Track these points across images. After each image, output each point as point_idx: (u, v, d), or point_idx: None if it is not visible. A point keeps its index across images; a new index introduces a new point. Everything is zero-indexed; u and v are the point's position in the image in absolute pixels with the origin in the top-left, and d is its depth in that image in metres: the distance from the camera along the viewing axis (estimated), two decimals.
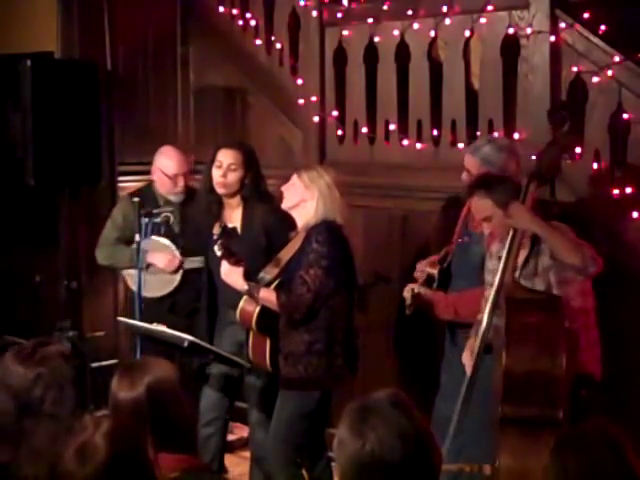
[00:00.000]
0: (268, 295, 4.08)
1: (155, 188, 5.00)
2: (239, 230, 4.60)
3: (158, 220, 4.92)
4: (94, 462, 2.00)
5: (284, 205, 4.18)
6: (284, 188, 4.19)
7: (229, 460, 5.04)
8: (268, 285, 4.14)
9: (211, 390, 4.68)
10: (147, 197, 4.96)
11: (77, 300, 5.63)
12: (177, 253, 4.92)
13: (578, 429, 2.29)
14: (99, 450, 2.01)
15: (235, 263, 4.14)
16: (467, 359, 3.95)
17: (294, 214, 4.16)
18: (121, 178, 5.94)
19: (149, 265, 4.86)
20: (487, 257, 4.08)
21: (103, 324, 5.39)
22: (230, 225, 4.58)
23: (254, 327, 4.16)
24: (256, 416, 4.63)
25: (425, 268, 4.36)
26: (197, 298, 5.03)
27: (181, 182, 4.94)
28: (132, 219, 4.95)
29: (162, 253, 4.88)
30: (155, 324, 4.40)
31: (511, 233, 3.78)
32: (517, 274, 3.85)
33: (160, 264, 4.86)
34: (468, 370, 3.92)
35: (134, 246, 4.92)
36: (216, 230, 4.48)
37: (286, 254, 4.23)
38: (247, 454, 4.95)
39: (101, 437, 2.03)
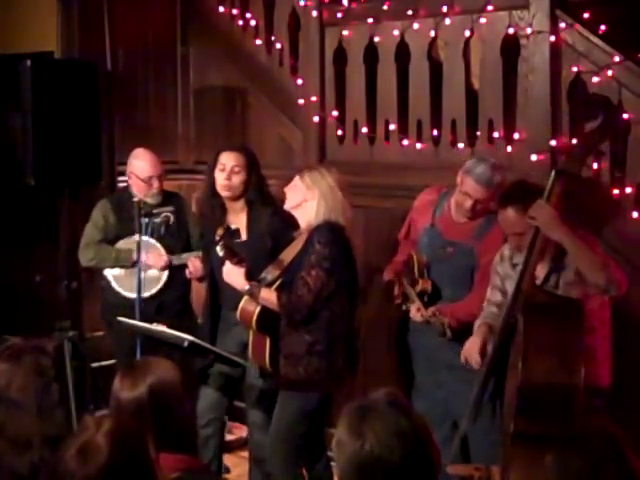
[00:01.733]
0: (269, 295, 4.08)
1: (130, 192, 4.99)
2: (244, 233, 4.60)
3: (158, 220, 4.93)
4: (95, 462, 2.00)
5: (286, 205, 4.18)
6: (287, 189, 4.18)
7: (228, 460, 5.05)
8: (269, 285, 4.14)
9: (210, 390, 4.68)
10: (124, 202, 4.98)
11: (77, 300, 5.62)
12: (163, 251, 4.94)
13: (579, 429, 2.29)
14: (100, 450, 2.01)
15: (237, 263, 4.14)
16: (474, 349, 3.91)
17: (296, 214, 4.15)
18: (121, 178, 5.93)
19: (135, 263, 4.87)
20: (497, 260, 4.04)
21: (103, 324, 5.38)
22: (233, 227, 4.57)
23: (254, 327, 4.16)
24: (256, 416, 4.62)
25: (419, 281, 4.35)
26: (184, 297, 5.04)
27: (156, 184, 4.94)
28: (113, 222, 5.00)
29: (150, 251, 4.88)
30: (155, 324, 4.40)
31: (532, 233, 3.69)
32: (537, 283, 3.80)
33: (149, 261, 4.87)
34: (474, 362, 3.89)
35: (118, 245, 4.95)
36: (219, 233, 4.48)
37: (288, 255, 4.23)
38: (246, 454, 4.95)
39: (102, 437, 2.03)
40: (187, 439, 2.58)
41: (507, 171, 4.35)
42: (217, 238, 4.16)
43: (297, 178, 4.14)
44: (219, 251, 4.12)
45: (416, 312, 4.30)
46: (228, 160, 4.55)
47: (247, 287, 4.12)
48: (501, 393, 3.91)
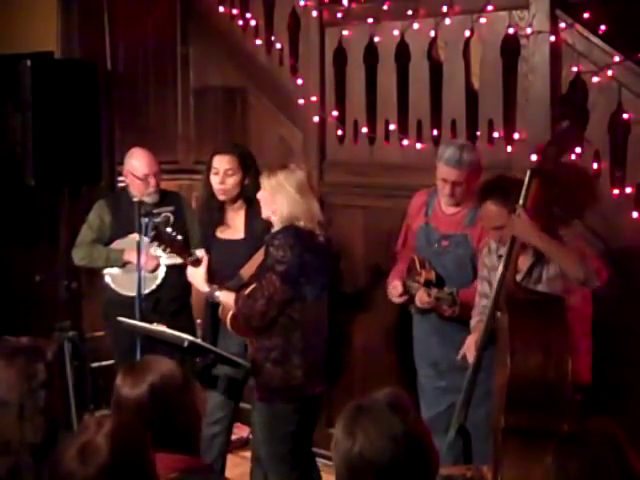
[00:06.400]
0: (228, 299, 4.04)
1: (129, 192, 5.00)
2: (242, 232, 4.61)
3: (158, 220, 4.92)
4: (95, 462, 2.00)
5: (263, 215, 4.13)
6: (259, 196, 4.13)
7: (229, 460, 5.04)
8: (243, 286, 4.09)
9: (216, 392, 4.68)
10: (122, 202, 4.99)
11: (77, 300, 5.62)
12: (158, 252, 4.92)
13: (579, 429, 2.29)
14: (101, 450, 2.01)
15: (194, 264, 4.12)
16: (471, 345, 3.92)
17: (273, 222, 4.10)
18: (121, 178, 5.93)
19: (126, 263, 4.90)
20: (485, 252, 4.08)
21: (103, 324, 5.38)
22: (169, 230, 4.48)
23: (229, 326, 4.14)
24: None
25: (422, 273, 4.35)
26: (181, 297, 5.03)
27: (152, 182, 4.95)
28: (108, 222, 5.02)
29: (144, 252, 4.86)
30: (155, 324, 4.40)
31: (510, 238, 3.79)
32: (519, 278, 3.84)
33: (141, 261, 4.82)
34: (470, 357, 3.90)
35: (113, 245, 4.97)
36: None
37: (260, 256, 4.16)
38: (247, 454, 4.95)
39: (103, 437, 2.03)
40: (188, 439, 2.57)
41: (476, 147, 4.38)
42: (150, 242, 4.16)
43: (262, 183, 4.07)
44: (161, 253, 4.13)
45: (423, 294, 4.25)
46: (221, 164, 4.57)
47: (207, 289, 4.09)
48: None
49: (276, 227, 4.03)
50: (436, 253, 4.38)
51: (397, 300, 4.47)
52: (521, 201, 3.76)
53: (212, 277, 4.63)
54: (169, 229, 4.38)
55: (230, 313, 4.09)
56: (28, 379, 2.51)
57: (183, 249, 4.26)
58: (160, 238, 4.30)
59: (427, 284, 4.32)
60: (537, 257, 3.83)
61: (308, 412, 4.10)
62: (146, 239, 4.84)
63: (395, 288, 4.44)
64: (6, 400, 2.47)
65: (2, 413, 2.46)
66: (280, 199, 3.98)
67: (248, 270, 4.21)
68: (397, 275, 4.52)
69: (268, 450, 4.13)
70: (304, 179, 4.04)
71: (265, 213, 4.11)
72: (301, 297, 3.98)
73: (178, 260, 4.90)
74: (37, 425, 2.47)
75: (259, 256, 4.16)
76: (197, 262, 4.16)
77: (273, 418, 4.05)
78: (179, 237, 4.32)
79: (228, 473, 4.82)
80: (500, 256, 3.97)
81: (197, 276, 4.15)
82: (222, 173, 4.56)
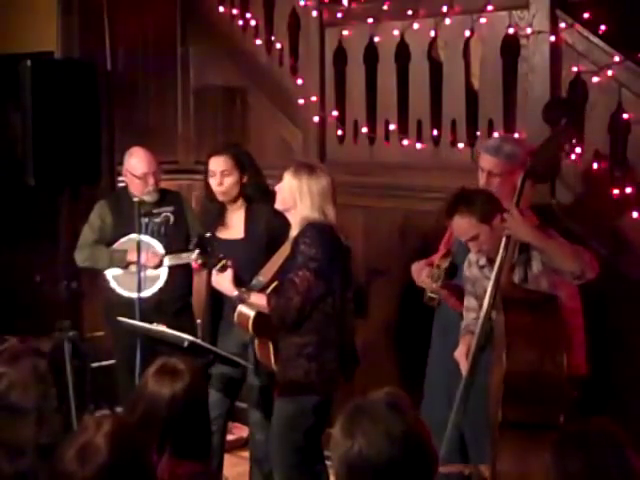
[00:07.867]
0: (259, 300, 4.03)
1: (129, 192, 5.00)
2: (243, 232, 4.61)
3: (158, 220, 4.93)
4: (94, 463, 2.00)
5: (276, 206, 4.16)
6: (277, 188, 4.16)
7: (228, 460, 5.04)
8: (263, 289, 4.10)
9: (212, 390, 4.68)
10: (123, 202, 4.99)
11: (77, 300, 5.61)
12: (159, 250, 4.91)
13: (579, 428, 2.28)
14: (100, 451, 2.01)
15: (221, 270, 4.12)
16: (462, 356, 3.93)
17: (287, 216, 4.13)
18: (121, 178, 5.93)
19: (129, 264, 4.88)
20: (465, 266, 4.07)
21: (103, 324, 5.38)
22: (207, 235, 4.50)
23: (251, 331, 4.14)
24: (256, 417, 4.63)
25: (435, 262, 4.33)
26: (182, 297, 5.03)
27: (151, 181, 4.95)
28: (110, 222, 5.01)
29: (146, 250, 4.85)
30: (155, 324, 4.40)
31: (505, 238, 3.77)
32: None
33: (142, 260, 4.80)
34: (463, 369, 3.91)
35: (115, 246, 4.97)
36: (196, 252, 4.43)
37: (280, 258, 4.19)
38: (246, 454, 4.95)
39: (102, 438, 2.03)
40: (205, 442, 2.58)
41: (523, 143, 4.27)
42: (190, 246, 4.15)
43: (285, 178, 4.09)
44: (193, 262, 4.14)
45: (426, 275, 4.24)
46: (216, 166, 4.59)
47: (236, 293, 4.09)
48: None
49: (294, 226, 4.05)
50: (461, 246, 4.35)
51: (418, 277, 4.37)
52: (514, 201, 3.76)
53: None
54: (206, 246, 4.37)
55: (251, 318, 4.08)
56: (40, 380, 2.50)
57: (212, 259, 4.24)
58: (204, 255, 4.28)
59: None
60: (519, 257, 3.84)
61: (328, 406, 4.14)
62: (146, 238, 4.85)
63: (417, 265, 4.39)
64: (24, 406, 2.45)
65: (19, 419, 2.44)
66: (302, 202, 4.01)
67: (268, 272, 4.20)
68: (425, 262, 4.46)
69: (282, 443, 4.15)
70: (327, 186, 4.05)
71: (280, 205, 4.12)
72: (332, 291, 4.03)
73: (181, 261, 4.91)
74: (53, 426, 2.47)
75: (277, 258, 4.19)
76: (224, 268, 4.15)
77: (296, 412, 4.09)
78: (222, 256, 4.26)
79: (226, 473, 4.82)
80: (482, 267, 3.97)
81: (225, 281, 4.13)
82: (219, 175, 4.57)
